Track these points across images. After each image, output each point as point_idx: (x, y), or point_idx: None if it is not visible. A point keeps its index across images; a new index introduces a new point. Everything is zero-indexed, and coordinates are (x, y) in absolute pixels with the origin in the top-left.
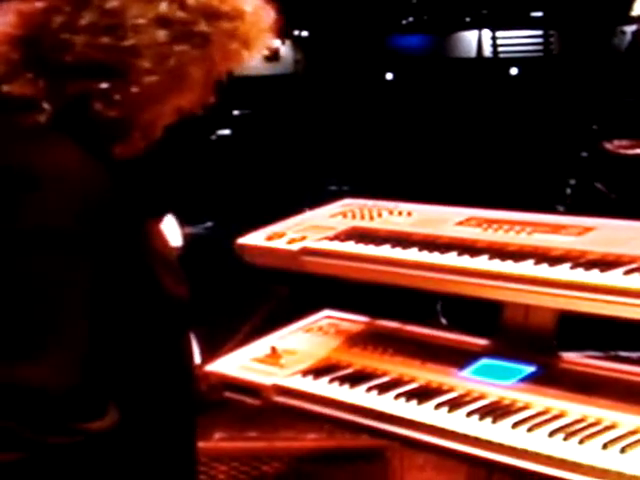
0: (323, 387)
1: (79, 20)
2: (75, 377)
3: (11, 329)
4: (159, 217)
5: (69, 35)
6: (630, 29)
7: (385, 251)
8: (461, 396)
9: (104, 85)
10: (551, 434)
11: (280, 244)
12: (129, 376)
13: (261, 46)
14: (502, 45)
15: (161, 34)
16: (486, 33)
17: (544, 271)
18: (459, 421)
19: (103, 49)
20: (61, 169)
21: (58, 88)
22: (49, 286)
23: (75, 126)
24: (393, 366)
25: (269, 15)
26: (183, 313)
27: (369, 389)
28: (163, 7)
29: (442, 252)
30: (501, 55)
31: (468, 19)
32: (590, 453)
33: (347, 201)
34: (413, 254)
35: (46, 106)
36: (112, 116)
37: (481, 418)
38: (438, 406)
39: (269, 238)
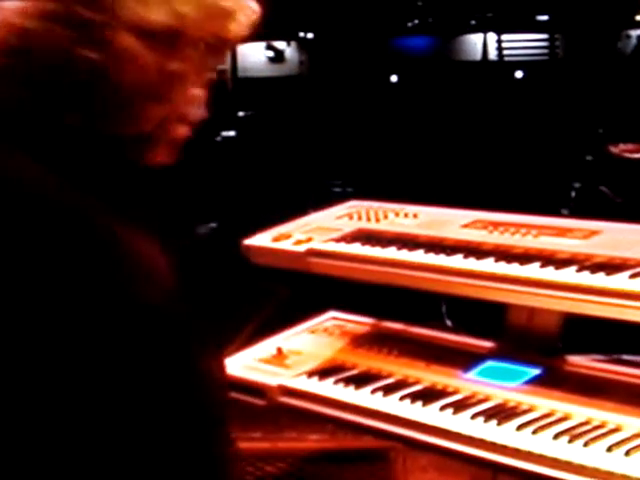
0: (328, 388)
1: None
2: None
3: None
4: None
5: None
6: (635, 33)
7: (391, 253)
8: (466, 398)
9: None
10: (556, 436)
11: (286, 245)
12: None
13: (243, 18)
14: (507, 48)
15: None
16: (491, 36)
17: (550, 274)
18: (464, 423)
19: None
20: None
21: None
22: None
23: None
24: (398, 367)
25: None
26: (161, 323)
27: (374, 390)
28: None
29: (448, 254)
30: (506, 58)
31: (473, 22)
32: (595, 456)
33: (353, 202)
34: (419, 256)
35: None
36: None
37: (486, 420)
38: (443, 408)
39: (275, 239)
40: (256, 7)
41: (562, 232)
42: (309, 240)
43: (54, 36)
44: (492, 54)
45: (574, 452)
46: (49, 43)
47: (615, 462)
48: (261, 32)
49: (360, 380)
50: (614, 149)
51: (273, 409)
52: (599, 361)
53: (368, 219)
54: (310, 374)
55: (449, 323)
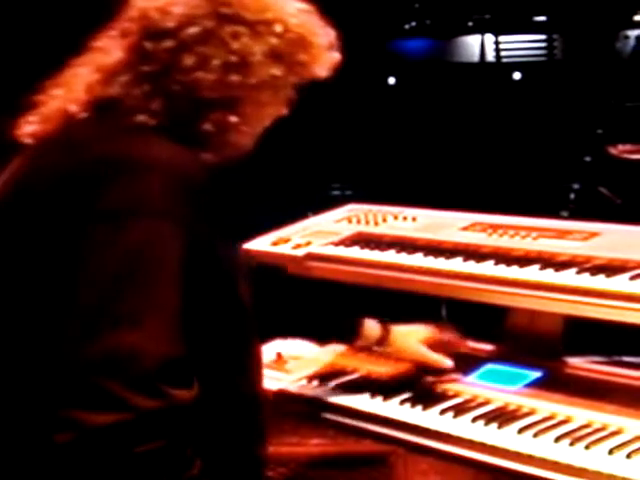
0: (329, 392)
1: (211, 60)
2: (168, 345)
3: (113, 295)
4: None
5: (202, 74)
6: (634, 33)
7: (390, 256)
8: (466, 401)
9: (233, 119)
10: (557, 439)
11: (285, 249)
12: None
13: (328, 64)
14: (505, 49)
15: (277, 69)
16: (489, 37)
17: (550, 276)
18: (464, 426)
19: (232, 86)
20: (159, 157)
21: (187, 119)
22: (147, 254)
23: (179, 134)
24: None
25: (330, 35)
26: (248, 320)
27: (374, 394)
28: (273, 42)
29: (447, 257)
30: (504, 60)
31: (471, 23)
32: (596, 458)
33: (352, 206)
34: (418, 259)
35: (159, 118)
36: (235, 142)
37: (487, 423)
38: (443, 411)
39: (274, 243)
40: (338, 56)
41: (561, 234)
42: (308, 244)
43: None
44: (490, 55)
45: (575, 455)
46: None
47: (616, 465)
48: None
49: (361, 384)
50: (613, 150)
51: (273, 414)
52: (600, 363)
53: (367, 222)
54: (310, 379)
55: None
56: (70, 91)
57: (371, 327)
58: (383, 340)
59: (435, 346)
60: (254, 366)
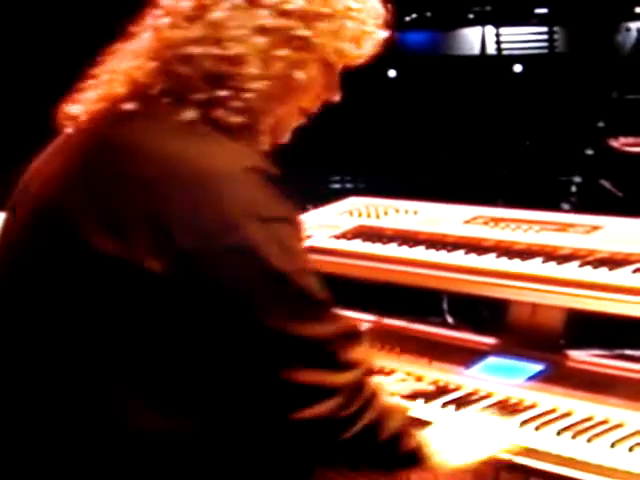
0: None
1: (193, 33)
2: None
3: None
4: None
5: (189, 48)
6: (635, 26)
7: (392, 250)
8: (468, 394)
9: (222, 93)
10: (559, 433)
11: None
12: None
13: (370, 41)
14: (506, 42)
15: (261, 41)
16: (490, 30)
17: (552, 270)
18: (466, 419)
19: (214, 59)
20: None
21: (187, 96)
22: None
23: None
24: (400, 364)
25: (377, 10)
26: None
27: None
28: (263, 15)
29: (449, 251)
30: (505, 52)
31: (471, 16)
32: (598, 452)
33: (353, 199)
34: (420, 253)
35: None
36: (235, 122)
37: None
38: (445, 404)
39: None
40: (384, 35)
41: (564, 227)
42: (309, 237)
43: None
44: (491, 48)
45: (577, 448)
46: None
47: (618, 458)
48: None
49: None
50: (614, 143)
51: None
52: (602, 357)
53: (368, 216)
54: None
55: (450, 320)
56: (111, 79)
57: None
58: None
59: None
60: None
